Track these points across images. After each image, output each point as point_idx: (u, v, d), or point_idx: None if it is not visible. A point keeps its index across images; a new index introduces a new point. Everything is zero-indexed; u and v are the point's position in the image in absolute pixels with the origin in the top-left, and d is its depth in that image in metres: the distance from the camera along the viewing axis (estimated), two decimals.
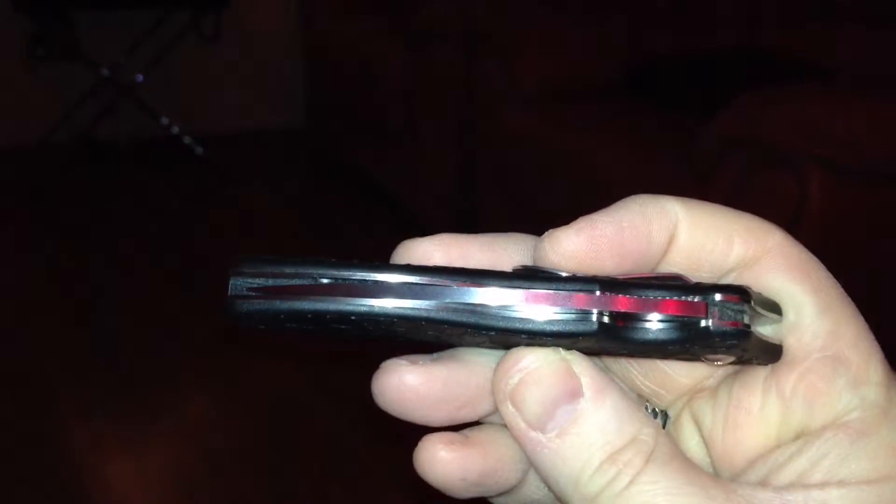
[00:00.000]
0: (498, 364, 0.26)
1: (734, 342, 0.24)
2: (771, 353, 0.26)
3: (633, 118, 2.13)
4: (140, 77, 3.25)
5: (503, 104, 2.27)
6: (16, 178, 3.07)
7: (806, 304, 0.26)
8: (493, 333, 0.25)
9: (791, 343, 0.26)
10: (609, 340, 0.25)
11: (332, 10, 3.12)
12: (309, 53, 3.28)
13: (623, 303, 0.25)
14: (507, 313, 0.25)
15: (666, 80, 2.20)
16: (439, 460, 0.27)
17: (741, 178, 1.58)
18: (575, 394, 0.25)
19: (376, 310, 0.25)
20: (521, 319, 0.25)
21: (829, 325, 0.26)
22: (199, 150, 3.29)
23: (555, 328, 0.25)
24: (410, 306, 0.25)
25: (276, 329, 0.26)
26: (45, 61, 3.28)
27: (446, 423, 0.28)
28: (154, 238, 2.69)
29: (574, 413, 0.25)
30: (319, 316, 0.25)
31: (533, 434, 0.25)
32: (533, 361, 0.25)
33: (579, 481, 0.25)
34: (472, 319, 0.25)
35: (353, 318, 0.25)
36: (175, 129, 3.33)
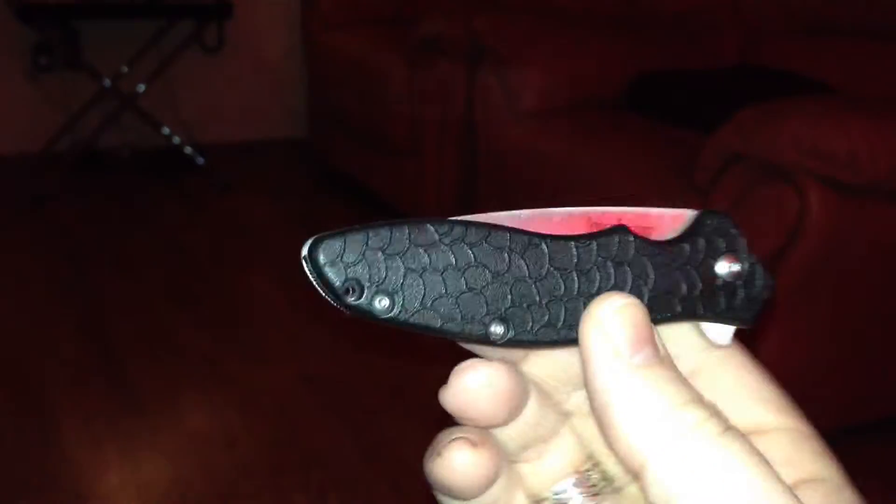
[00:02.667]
0: (596, 299, 0.28)
1: (723, 220, 0.29)
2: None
3: (634, 133, 2.13)
4: (142, 87, 3.26)
5: (504, 118, 2.28)
6: (18, 186, 3.08)
7: (750, 384, 0.29)
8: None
9: (756, 420, 0.29)
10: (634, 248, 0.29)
11: (334, 22, 3.14)
12: (311, 64, 3.30)
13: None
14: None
15: (667, 96, 2.21)
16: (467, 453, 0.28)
17: (742, 194, 1.58)
18: (654, 342, 0.27)
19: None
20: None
21: (775, 405, 0.29)
22: (200, 160, 3.30)
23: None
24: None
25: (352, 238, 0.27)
26: (48, 71, 3.29)
27: (503, 424, 0.30)
28: (154, 247, 2.69)
29: (657, 355, 0.27)
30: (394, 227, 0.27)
31: (617, 363, 0.26)
32: (630, 301, 0.27)
33: (664, 415, 0.25)
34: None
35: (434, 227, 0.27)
36: (177, 140, 3.33)
